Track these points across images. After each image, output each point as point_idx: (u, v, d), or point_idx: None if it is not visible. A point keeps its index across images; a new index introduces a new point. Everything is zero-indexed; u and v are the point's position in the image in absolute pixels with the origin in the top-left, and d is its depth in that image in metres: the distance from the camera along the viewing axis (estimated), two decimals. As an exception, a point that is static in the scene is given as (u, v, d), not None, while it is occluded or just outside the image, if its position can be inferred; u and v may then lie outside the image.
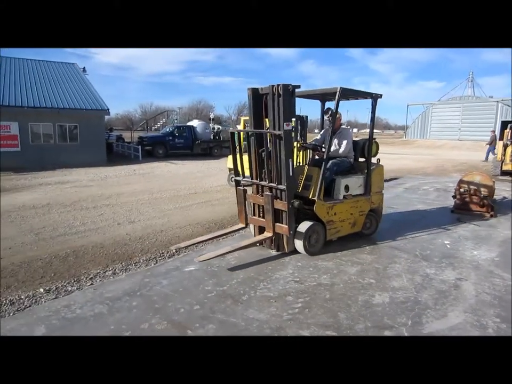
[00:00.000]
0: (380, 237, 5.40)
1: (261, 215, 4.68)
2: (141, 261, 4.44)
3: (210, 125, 23.38)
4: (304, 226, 4.45)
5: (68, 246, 5.08)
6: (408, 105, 44.41)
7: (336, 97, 4.45)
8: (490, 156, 16.00)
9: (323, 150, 5.04)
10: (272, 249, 4.68)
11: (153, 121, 36.73)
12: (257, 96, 4.39)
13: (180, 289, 3.60)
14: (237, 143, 4.77)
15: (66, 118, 16.62)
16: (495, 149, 15.52)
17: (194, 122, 22.49)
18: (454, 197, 7.23)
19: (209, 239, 4.83)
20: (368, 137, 5.37)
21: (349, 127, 5.37)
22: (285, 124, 4.06)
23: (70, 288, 3.67)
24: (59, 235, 5.65)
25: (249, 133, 4.59)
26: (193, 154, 20.32)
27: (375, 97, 5.05)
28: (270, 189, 4.47)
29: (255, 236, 4.86)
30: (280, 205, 4.33)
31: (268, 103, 4.29)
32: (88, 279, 3.92)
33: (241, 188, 4.85)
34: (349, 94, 4.87)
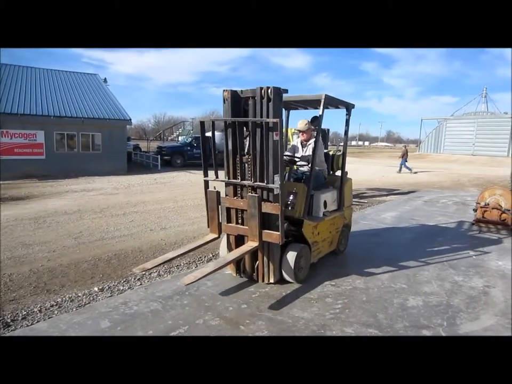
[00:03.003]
0: (406, 246, 5.60)
1: (239, 221, 4.00)
2: (182, 264, 4.71)
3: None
4: (294, 249, 3.94)
5: (108, 250, 5.38)
6: (422, 120, 44.52)
7: (321, 104, 4.13)
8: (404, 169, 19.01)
9: (298, 161, 4.64)
10: (255, 279, 4.05)
11: (169, 131, 37.45)
12: (236, 100, 3.82)
13: (224, 289, 3.85)
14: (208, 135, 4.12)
15: (90, 127, 17.18)
16: (406, 161, 18.97)
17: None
18: (475, 210, 7.39)
19: (180, 255, 4.02)
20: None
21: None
22: (274, 133, 3.53)
23: (121, 288, 3.95)
24: (97, 239, 5.95)
25: (227, 123, 3.82)
26: (210, 164, 20.64)
27: (349, 107, 4.81)
28: (254, 190, 3.82)
29: (230, 247, 4.12)
30: (270, 207, 3.65)
31: (250, 109, 3.75)
32: (136, 279, 4.20)
33: (213, 190, 4.10)
34: (330, 102, 4.51)
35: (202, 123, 4.15)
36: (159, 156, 19.69)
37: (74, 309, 3.43)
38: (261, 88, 3.61)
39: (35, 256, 5.02)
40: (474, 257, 5.20)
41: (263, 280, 3.99)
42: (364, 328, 3.12)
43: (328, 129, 10.44)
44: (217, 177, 4.11)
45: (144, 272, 4.41)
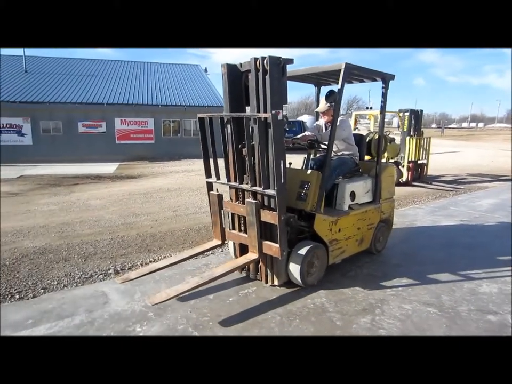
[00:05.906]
0: (496, 234, 5.20)
1: (242, 228, 3.59)
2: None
3: (320, 119, 23.65)
4: (302, 249, 3.41)
5: (199, 222, 6.13)
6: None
7: (341, 76, 3.42)
8: None
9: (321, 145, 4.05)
10: (260, 279, 3.64)
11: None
12: (235, 75, 3.30)
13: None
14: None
15: (191, 114, 18.83)
16: None
17: (304, 117, 23.09)
18: None
19: (174, 263, 3.67)
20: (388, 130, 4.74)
21: (344, 116, 4.26)
22: (273, 112, 2.99)
23: (206, 253, 4.57)
24: (191, 213, 6.79)
25: (225, 120, 3.39)
26: (300, 148, 20.95)
27: (386, 78, 4.02)
28: (254, 195, 3.36)
29: (235, 255, 3.82)
30: (269, 216, 3.20)
31: (250, 85, 3.25)
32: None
33: (215, 192, 3.71)
34: (355, 73, 3.81)
35: (201, 119, 3.63)
36: (252, 140, 20.63)
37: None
38: (255, 60, 3.06)
39: (141, 224, 6.01)
40: None
41: (266, 282, 3.58)
42: (423, 307, 3.16)
43: (422, 110, 9.92)
44: (218, 178, 3.66)
45: (227, 242, 4.99)
